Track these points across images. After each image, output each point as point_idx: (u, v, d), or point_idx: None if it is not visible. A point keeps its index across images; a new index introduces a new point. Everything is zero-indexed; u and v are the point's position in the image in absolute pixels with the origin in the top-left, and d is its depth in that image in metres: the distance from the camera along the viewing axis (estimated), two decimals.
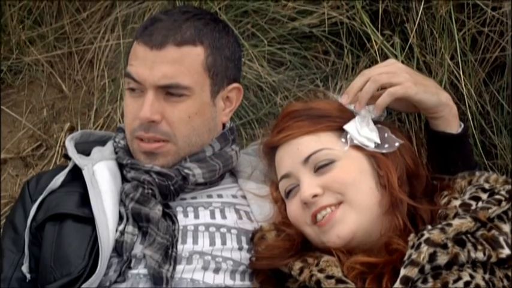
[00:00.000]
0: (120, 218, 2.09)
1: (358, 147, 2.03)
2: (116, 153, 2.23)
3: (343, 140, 2.04)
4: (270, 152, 2.14)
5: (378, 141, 2.04)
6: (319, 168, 2.02)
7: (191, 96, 2.14)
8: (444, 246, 1.86)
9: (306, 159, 2.03)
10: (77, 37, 2.93)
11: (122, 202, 2.12)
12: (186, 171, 2.16)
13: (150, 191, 2.11)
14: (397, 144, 2.04)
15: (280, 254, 2.04)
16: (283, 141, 2.08)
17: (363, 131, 2.04)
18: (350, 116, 2.07)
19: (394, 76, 2.06)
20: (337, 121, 2.06)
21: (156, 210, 2.07)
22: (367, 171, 2.02)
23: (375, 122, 2.08)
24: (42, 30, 2.95)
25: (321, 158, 2.02)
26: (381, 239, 1.99)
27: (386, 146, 2.04)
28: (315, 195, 1.99)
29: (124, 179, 2.20)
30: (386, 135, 2.06)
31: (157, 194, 2.12)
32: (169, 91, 2.12)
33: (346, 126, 2.05)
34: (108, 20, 2.88)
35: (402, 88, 2.05)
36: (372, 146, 2.04)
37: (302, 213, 2.03)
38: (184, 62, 2.12)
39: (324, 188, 2.00)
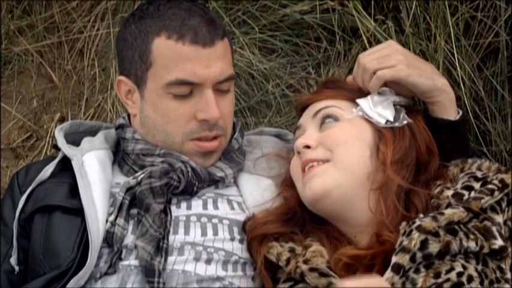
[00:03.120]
0: (111, 204, 2.07)
1: (368, 120, 2.06)
2: (128, 153, 2.18)
3: (354, 110, 2.07)
4: (300, 114, 2.20)
5: (391, 119, 2.06)
6: (323, 124, 2.07)
7: (232, 86, 2.17)
8: (436, 234, 1.85)
9: (316, 113, 2.09)
10: (66, 26, 2.91)
11: (124, 187, 2.08)
12: (219, 174, 2.15)
13: (175, 183, 2.08)
14: (405, 122, 2.05)
15: (277, 218, 2.07)
16: (309, 102, 2.14)
17: (376, 107, 2.06)
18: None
19: (386, 60, 2.07)
20: (356, 95, 2.10)
21: (160, 205, 2.05)
22: (365, 140, 2.03)
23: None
24: (32, 20, 2.93)
25: (328, 112, 2.08)
26: (368, 218, 1.99)
27: (396, 124, 2.06)
28: (307, 146, 2.04)
29: (120, 170, 2.18)
30: (401, 115, 2.07)
31: (181, 187, 2.10)
32: (220, 86, 2.11)
33: (359, 100, 2.08)
34: (98, 8, 2.86)
35: (391, 71, 2.05)
36: (382, 122, 2.05)
37: (297, 165, 2.07)
38: (227, 53, 2.14)
39: (319, 143, 2.04)
